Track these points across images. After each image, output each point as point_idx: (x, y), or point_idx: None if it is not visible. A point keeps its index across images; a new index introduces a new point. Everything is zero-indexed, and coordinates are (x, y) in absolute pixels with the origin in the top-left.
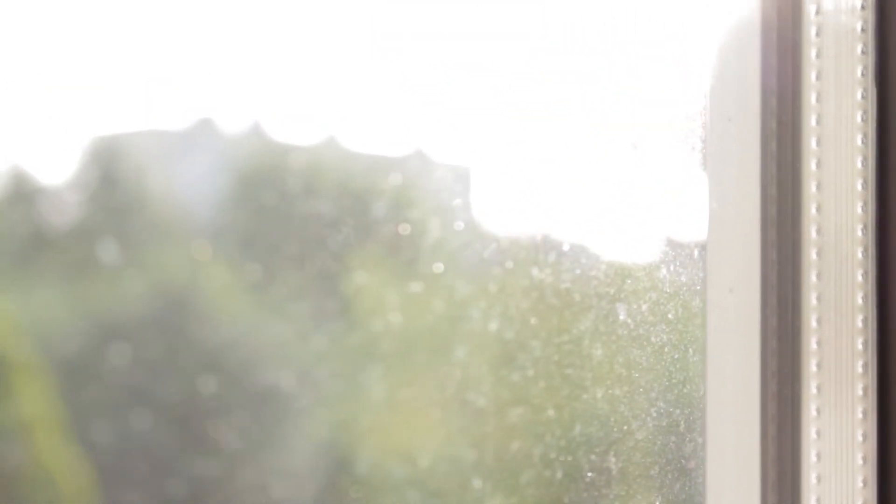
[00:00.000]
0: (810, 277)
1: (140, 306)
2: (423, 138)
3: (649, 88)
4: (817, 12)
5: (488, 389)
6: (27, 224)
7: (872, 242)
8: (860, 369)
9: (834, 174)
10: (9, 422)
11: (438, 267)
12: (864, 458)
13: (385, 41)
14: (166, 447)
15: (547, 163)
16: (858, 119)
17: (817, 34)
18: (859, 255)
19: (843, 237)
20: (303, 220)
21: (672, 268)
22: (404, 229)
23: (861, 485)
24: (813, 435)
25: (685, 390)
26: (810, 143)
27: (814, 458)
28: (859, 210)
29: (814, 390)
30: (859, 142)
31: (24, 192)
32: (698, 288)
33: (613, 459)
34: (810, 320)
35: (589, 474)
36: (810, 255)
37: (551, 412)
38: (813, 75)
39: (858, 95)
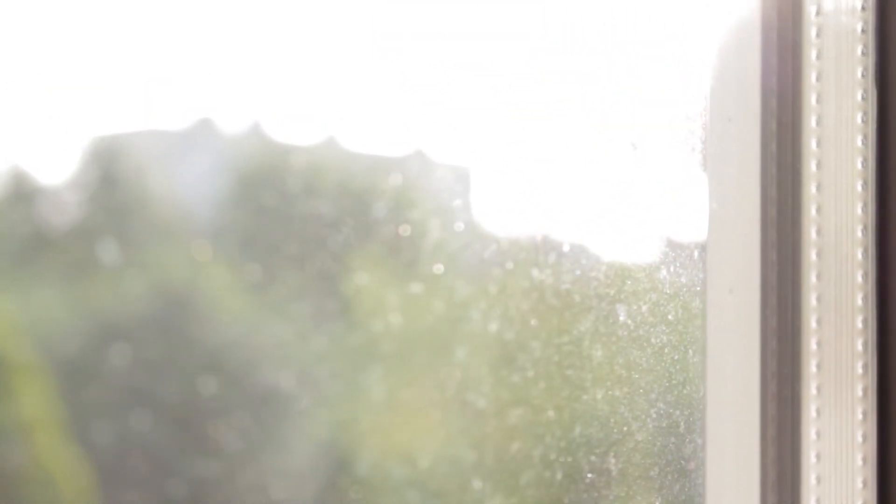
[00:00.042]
0: (810, 278)
1: (140, 306)
2: (423, 138)
3: (649, 88)
4: (818, 13)
5: (488, 390)
6: (27, 224)
7: (872, 243)
8: (860, 370)
9: (834, 175)
10: (9, 422)
11: (438, 267)
12: (864, 459)
13: (385, 41)
14: (166, 448)
15: (547, 163)
16: (858, 120)
17: (817, 35)
18: (859, 256)
19: (842, 238)
20: (303, 220)
21: (672, 268)
22: (404, 230)
23: (861, 486)
24: (813, 436)
25: (685, 391)
26: (810, 144)
27: (813, 459)
28: (859, 211)
29: (814, 391)
30: (859, 143)
31: (24, 192)
32: (698, 289)
33: (613, 460)
34: (810, 321)
35: (589, 475)
36: (810, 255)
37: (551, 413)
38: (813, 76)
39: (859, 96)
